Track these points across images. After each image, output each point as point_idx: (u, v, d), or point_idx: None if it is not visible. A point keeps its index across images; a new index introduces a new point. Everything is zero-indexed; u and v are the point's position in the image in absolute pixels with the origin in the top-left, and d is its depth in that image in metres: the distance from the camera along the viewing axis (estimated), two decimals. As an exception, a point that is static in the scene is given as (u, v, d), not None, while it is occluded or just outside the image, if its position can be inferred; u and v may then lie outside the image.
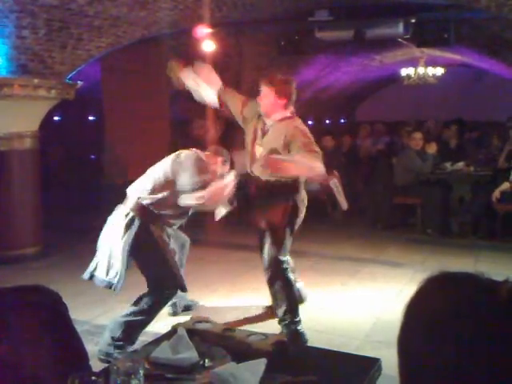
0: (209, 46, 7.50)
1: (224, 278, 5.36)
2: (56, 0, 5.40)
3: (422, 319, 0.74)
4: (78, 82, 6.62)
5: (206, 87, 4.03)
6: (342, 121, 14.47)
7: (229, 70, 9.22)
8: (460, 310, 0.71)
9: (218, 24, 7.27)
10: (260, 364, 1.95)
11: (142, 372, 1.60)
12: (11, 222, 6.09)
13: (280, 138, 3.65)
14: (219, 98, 4.06)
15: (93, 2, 5.61)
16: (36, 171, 6.41)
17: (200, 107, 8.81)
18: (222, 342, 2.14)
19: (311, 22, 7.65)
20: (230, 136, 9.52)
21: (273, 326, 3.79)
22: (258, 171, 3.83)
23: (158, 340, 2.14)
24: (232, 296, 4.86)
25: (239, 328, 2.43)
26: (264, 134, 3.86)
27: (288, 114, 3.86)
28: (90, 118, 11.05)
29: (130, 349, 3.31)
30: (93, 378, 1.50)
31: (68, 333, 1.62)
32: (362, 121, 13.30)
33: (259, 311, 4.43)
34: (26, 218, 6.21)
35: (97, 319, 4.30)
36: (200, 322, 2.30)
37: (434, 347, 0.71)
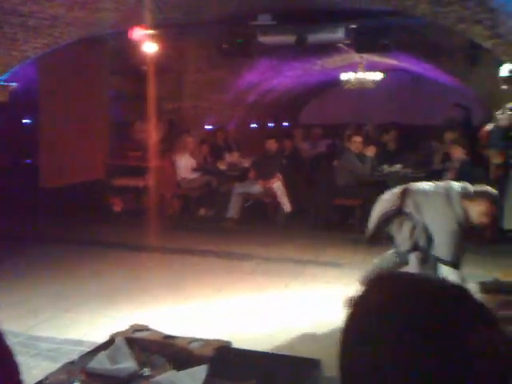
0: (150, 48, 7.40)
1: (165, 284, 5.28)
2: (-13, -2, 5.17)
3: (359, 319, 0.76)
4: (12, 83, 6.38)
5: None
6: (285, 124, 14.61)
7: (171, 71, 9.13)
8: (398, 303, 0.73)
9: (159, 26, 7.18)
10: (201, 370, 1.93)
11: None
12: None
13: None
14: None
15: (27, 1, 5.40)
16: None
17: (141, 109, 8.72)
18: (162, 350, 2.10)
19: (254, 26, 7.69)
20: (172, 139, 9.44)
21: (215, 331, 3.76)
22: None
23: (96, 350, 2.07)
24: (173, 302, 4.79)
25: (180, 335, 2.40)
26: None
27: None
28: (25, 120, 10.65)
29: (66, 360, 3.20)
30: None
31: None
32: (304, 124, 13.49)
33: (201, 316, 4.40)
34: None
35: (31, 330, 4.13)
36: (139, 330, 2.25)
37: (370, 346, 0.72)
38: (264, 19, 7.54)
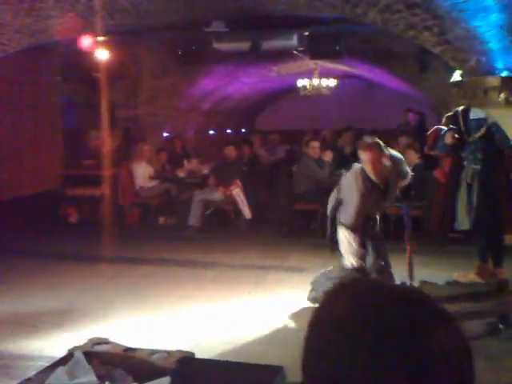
0: (102, 54, 7.28)
1: (125, 295, 5.17)
2: None
3: (327, 318, 0.76)
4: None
5: None
6: (243, 130, 14.64)
7: (125, 78, 9.00)
8: (359, 309, 0.74)
9: (111, 32, 7.07)
10: (163, 382, 1.89)
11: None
12: None
13: None
14: None
15: (-28, 6, 5.23)
16: None
17: (95, 117, 8.55)
18: (123, 363, 2.05)
19: (208, 33, 7.68)
20: (128, 147, 9.30)
21: (179, 341, 3.71)
22: None
23: (54, 365, 2.00)
24: (134, 313, 4.69)
25: (142, 347, 2.34)
26: None
27: None
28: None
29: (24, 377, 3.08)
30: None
31: None
32: (261, 130, 13.55)
33: (164, 327, 4.33)
34: None
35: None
36: (99, 343, 2.19)
37: (335, 344, 0.72)
38: (217, 26, 7.55)
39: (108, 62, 7.45)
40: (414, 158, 7.30)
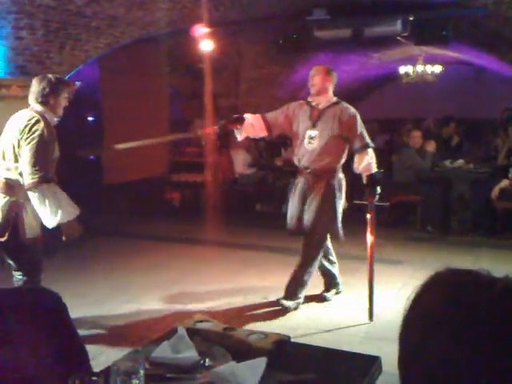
0: (207, 46, 7.50)
1: (222, 278, 5.35)
2: (54, 1, 5.39)
3: (423, 313, 0.75)
4: (77, 82, 6.60)
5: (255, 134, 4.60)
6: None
7: (227, 68, 9.22)
8: (458, 304, 0.72)
9: (215, 24, 7.27)
10: (260, 363, 1.95)
11: (142, 372, 1.60)
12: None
13: (334, 122, 4.23)
14: (270, 135, 4.60)
15: (90, 2, 5.60)
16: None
17: (199, 107, 8.84)
18: (222, 342, 2.14)
19: (309, 21, 7.65)
20: (228, 135, 9.53)
21: (273, 325, 3.79)
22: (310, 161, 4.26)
23: (159, 340, 2.14)
24: (230, 295, 4.85)
25: (240, 327, 2.43)
26: (316, 119, 4.29)
27: (335, 99, 4.47)
28: (89, 118, 11.03)
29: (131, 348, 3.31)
30: (93, 378, 1.50)
31: (68, 333, 1.62)
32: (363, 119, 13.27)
33: (260, 310, 4.44)
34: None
35: (97, 320, 4.30)
36: (201, 321, 2.30)
37: (434, 341, 0.71)
38: (319, 14, 7.49)
39: (212, 54, 7.67)
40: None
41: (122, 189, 8.43)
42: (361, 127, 4.37)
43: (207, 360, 1.99)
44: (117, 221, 7.84)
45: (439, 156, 7.99)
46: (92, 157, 8.73)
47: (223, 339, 2.17)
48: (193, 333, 2.14)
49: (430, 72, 10.99)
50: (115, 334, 4.01)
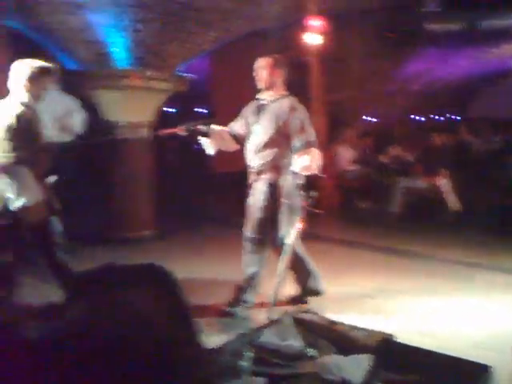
0: (314, 39, 7.47)
1: (325, 271, 5.28)
2: (169, -6, 5.58)
3: None
4: (189, 74, 6.83)
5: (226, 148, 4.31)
6: (452, 117, 13.82)
7: (335, 61, 9.12)
8: None
9: (323, 16, 7.22)
10: (365, 359, 1.94)
11: (250, 355, 1.65)
12: (129, 206, 6.34)
13: (279, 117, 3.81)
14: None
15: (203, -4, 5.73)
16: (151, 160, 6.68)
17: (305, 101, 8.81)
18: (326, 334, 2.14)
19: (420, 14, 7.40)
20: (333, 130, 9.42)
21: (377, 321, 3.71)
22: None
23: (266, 326, 2.19)
24: (334, 289, 4.77)
25: (344, 322, 2.41)
26: (260, 113, 3.94)
27: (284, 93, 3.94)
28: (200, 110, 11.42)
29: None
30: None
31: (180, 305, 1.70)
32: (471, 118, 12.63)
33: (359, 306, 4.37)
34: (142, 203, 6.46)
35: (204, 300, 4.35)
36: (306, 312, 2.32)
37: None
38: (430, 6, 7.23)
39: (318, 46, 7.63)
40: None
41: (229, 177, 8.66)
42: (307, 124, 3.89)
43: (311, 350, 2.01)
44: (226, 210, 7.98)
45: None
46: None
47: (327, 332, 2.18)
48: (298, 323, 2.17)
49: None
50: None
